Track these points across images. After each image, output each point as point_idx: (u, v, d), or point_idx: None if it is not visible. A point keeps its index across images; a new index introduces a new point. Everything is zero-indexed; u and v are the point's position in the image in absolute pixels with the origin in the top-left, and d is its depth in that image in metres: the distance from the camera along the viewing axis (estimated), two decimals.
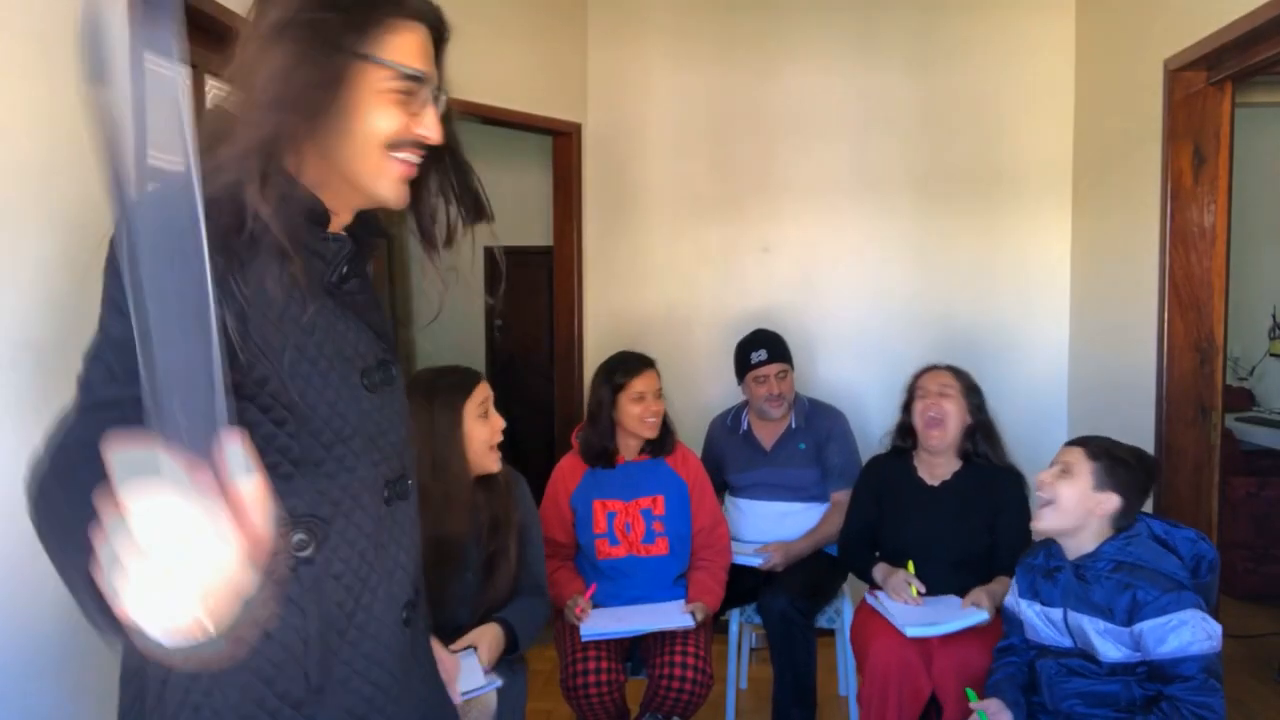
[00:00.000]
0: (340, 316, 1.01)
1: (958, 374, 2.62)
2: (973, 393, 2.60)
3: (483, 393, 2.07)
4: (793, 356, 3.05)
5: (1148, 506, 2.83)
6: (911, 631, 2.26)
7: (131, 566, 0.55)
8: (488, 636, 1.98)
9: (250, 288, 0.90)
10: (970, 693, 2.03)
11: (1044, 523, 1.95)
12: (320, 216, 0.99)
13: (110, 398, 0.84)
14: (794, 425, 3.00)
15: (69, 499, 0.74)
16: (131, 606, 0.56)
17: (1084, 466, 1.94)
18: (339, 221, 1.03)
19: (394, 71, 0.94)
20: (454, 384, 2.07)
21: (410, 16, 0.96)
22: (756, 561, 2.79)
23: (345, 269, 1.02)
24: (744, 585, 2.78)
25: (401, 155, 0.98)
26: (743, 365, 3.01)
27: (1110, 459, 1.94)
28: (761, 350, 2.96)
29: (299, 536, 0.95)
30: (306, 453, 0.95)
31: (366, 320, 1.04)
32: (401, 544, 1.06)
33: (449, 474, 2.01)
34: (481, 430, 2.04)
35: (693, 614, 2.40)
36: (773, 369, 2.94)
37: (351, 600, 0.99)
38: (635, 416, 2.54)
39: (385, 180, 0.98)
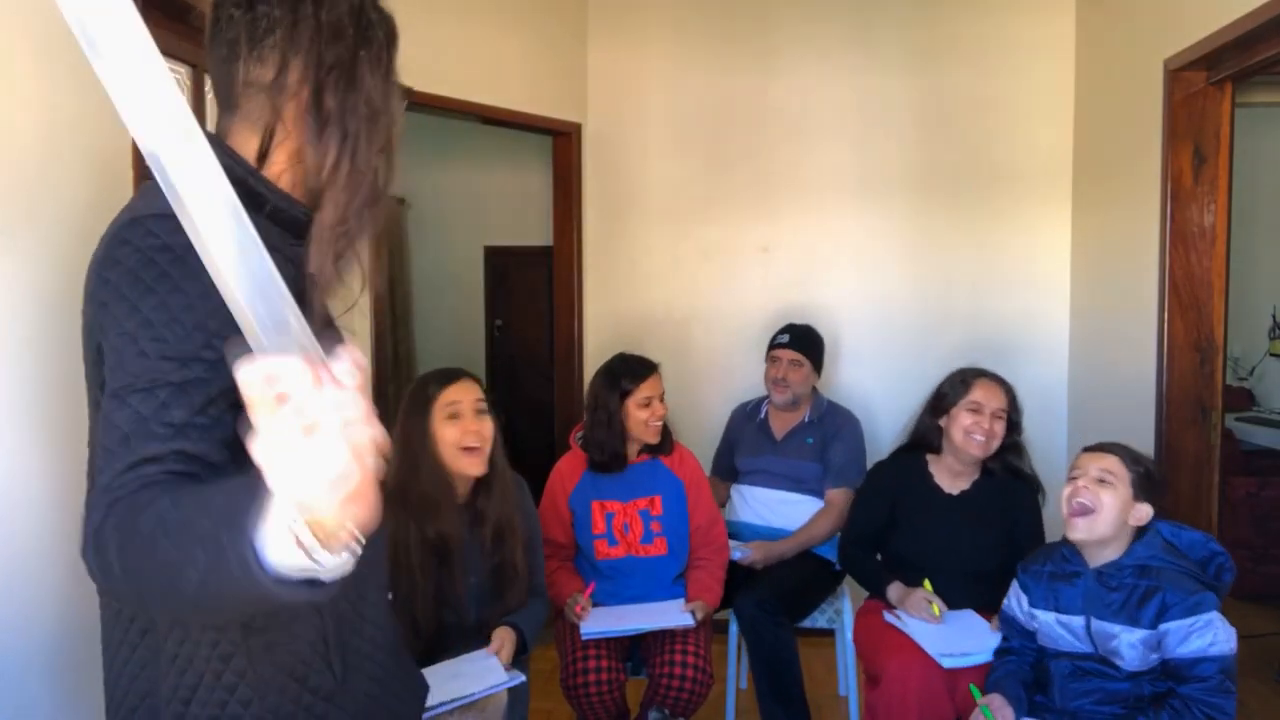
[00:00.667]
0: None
1: (1008, 389, 2.49)
2: (1014, 409, 2.50)
3: (451, 394, 2.05)
4: (822, 363, 3.13)
5: None
6: (949, 663, 2.16)
7: (290, 434, 0.57)
8: (506, 641, 2.03)
9: None
10: (974, 689, 2.02)
11: (1081, 533, 1.91)
12: (302, 225, 0.98)
13: (152, 454, 0.81)
14: (807, 419, 3.05)
15: (155, 551, 0.72)
16: (297, 468, 0.58)
17: (1124, 475, 1.91)
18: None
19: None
20: (430, 383, 2.09)
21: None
22: (736, 555, 2.79)
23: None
24: (728, 583, 2.79)
25: None
26: (770, 343, 3.14)
27: (1144, 468, 1.94)
28: (785, 334, 3.09)
29: None
30: None
31: (315, 324, 1.05)
32: (375, 539, 1.11)
33: (422, 473, 2.03)
34: (448, 431, 2.03)
35: (692, 613, 2.40)
36: (786, 354, 3.03)
37: (355, 594, 1.06)
38: (641, 422, 2.54)
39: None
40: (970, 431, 2.42)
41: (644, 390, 2.56)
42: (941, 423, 2.50)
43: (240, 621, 0.95)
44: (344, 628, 1.05)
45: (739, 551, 2.81)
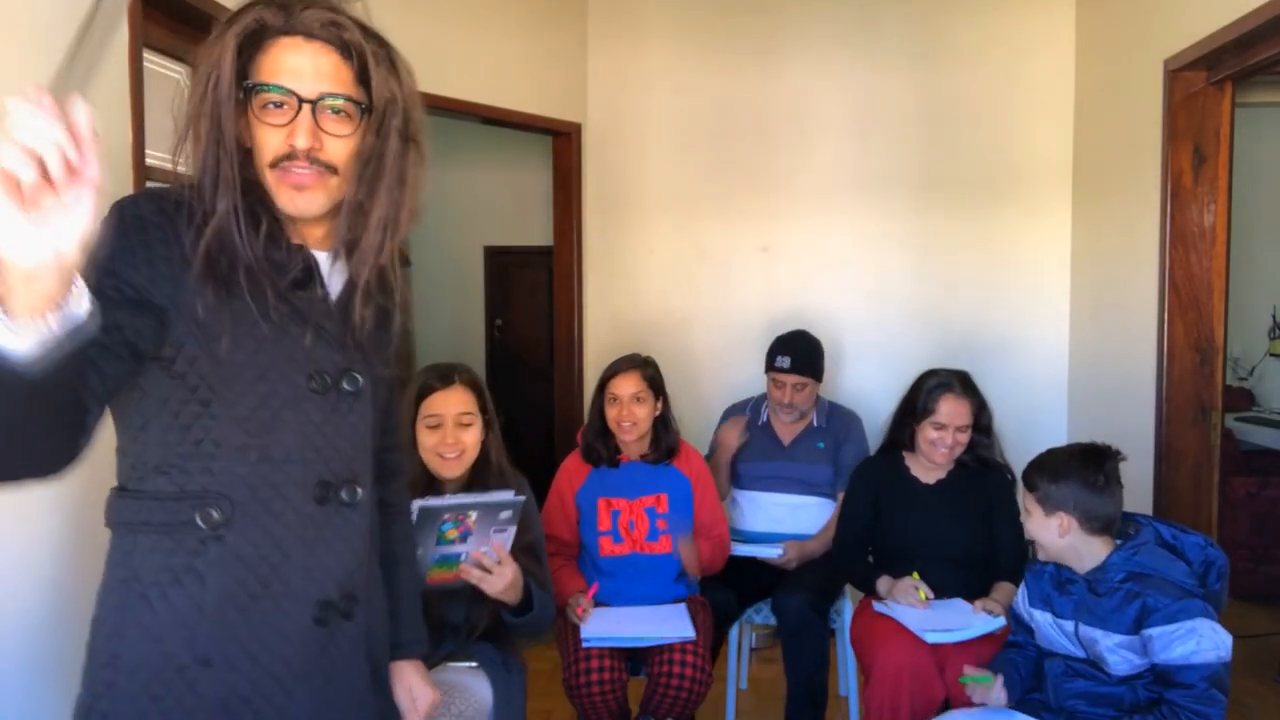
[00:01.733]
0: (295, 321, 1.08)
1: (972, 397, 2.53)
2: (982, 413, 2.55)
3: (434, 405, 2.01)
4: (823, 369, 3.02)
5: (1146, 505, 2.84)
6: (932, 638, 2.22)
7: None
8: (511, 570, 1.89)
9: (200, 276, 1.01)
10: (967, 669, 2.03)
11: (1040, 556, 2.01)
12: (272, 226, 1.07)
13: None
14: (815, 424, 3.01)
15: None
16: None
17: (1030, 499, 1.96)
18: (312, 236, 1.12)
19: (263, 92, 1.03)
20: (424, 382, 2.05)
21: (281, 33, 1.03)
22: (774, 554, 2.80)
23: (299, 277, 1.08)
24: (758, 583, 2.78)
25: (289, 169, 1.05)
26: (768, 361, 3.01)
27: (1045, 480, 1.94)
28: (786, 357, 2.94)
29: (210, 512, 1.03)
30: (229, 436, 1.04)
31: (327, 329, 1.11)
32: (333, 547, 1.12)
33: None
34: (428, 438, 2.01)
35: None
36: (790, 379, 2.92)
37: (257, 584, 1.06)
38: (611, 418, 2.57)
39: (280, 196, 1.06)
40: (935, 444, 2.50)
41: (612, 387, 2.58)
42: (914, 427, 2.56)
43: (124, 575, 1.04)
44: (227, 607, 1.04)
45: (775, 550, 2.81)
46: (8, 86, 1.47)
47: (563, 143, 3.80)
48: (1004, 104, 3.63)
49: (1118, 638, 1.84)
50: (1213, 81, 2.71)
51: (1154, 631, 1.79)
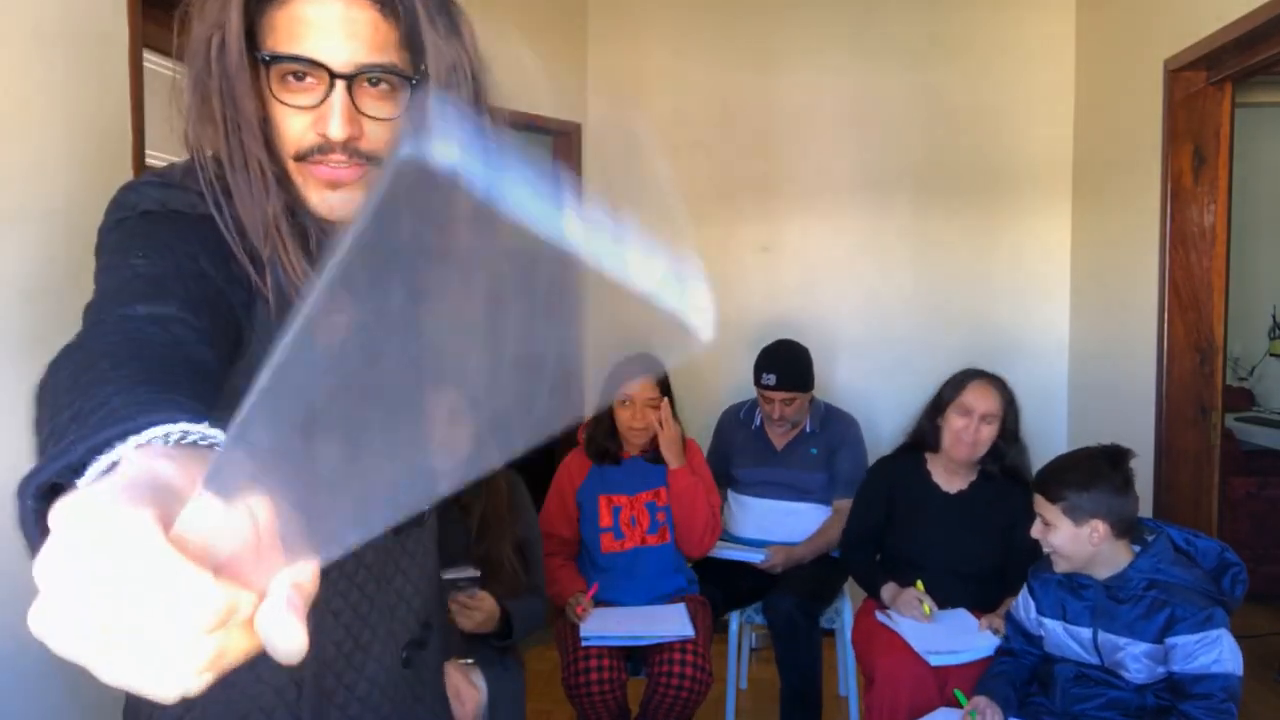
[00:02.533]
0: None
1: (1002, 390, 2.45)
2: (1010, 410, 2.46)
3: None
4: (813, 378, 2.96)
5: (1146, 505, 2.84)
6: (936, 660, 2.19)
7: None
8: (482, 607, 1.96)
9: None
10: (959, 694, 2.02)
11: (1060, 569, 1.94)
12: (317, 225, 0.89)
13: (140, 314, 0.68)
14: (809, 429, 2.98)
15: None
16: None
17: (1053, 512, 1.90)
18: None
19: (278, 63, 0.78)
20: None
21: None
22: (758, 558, 2.79)
23: None
24: (747, 585, 2.78)
25: (320, 161, 0.82)
26: (755, 376, 2.95)
27: (1074, 490, 1.88)
28: (772, 375, 2.88)
29: None
30: None
31: None
32: (409, 575, 0.99)
33: None
34: None
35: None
36: (778, 395, 2.87)
37: (350, 640, 0.93)
38: (622, 422, 2.57)
39: (309, 194, 0.84)
40: (959, 434, 2.41)
41: (624, 389, 2.57)
42: (939, 423, 2.50)
43: None
44: (327, 675, 0.91)
45: (760, 555, 2.81)
46: (8, 86, 1.47)
47: (563, 143, 3.80)
48: (1004, 104, 3.63)
49: (1143, 646, 1.83)
50: (1213, 82, 2.71)
51: (1178, 640, 1.78)
